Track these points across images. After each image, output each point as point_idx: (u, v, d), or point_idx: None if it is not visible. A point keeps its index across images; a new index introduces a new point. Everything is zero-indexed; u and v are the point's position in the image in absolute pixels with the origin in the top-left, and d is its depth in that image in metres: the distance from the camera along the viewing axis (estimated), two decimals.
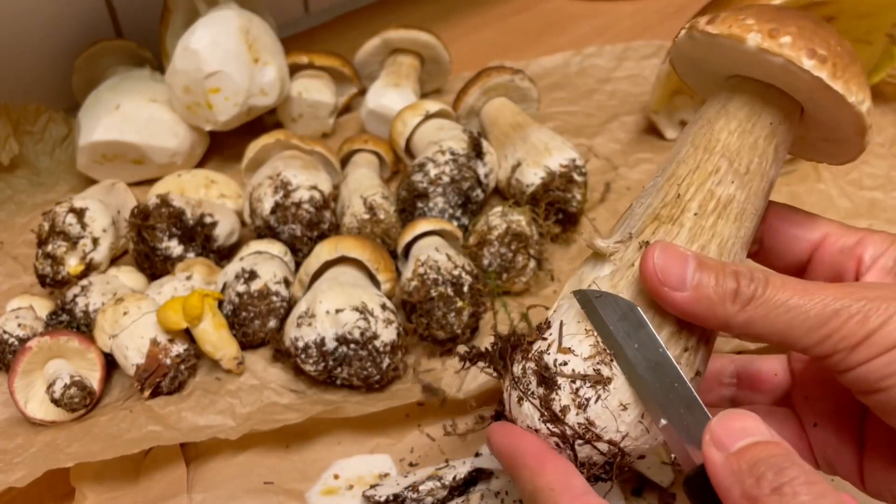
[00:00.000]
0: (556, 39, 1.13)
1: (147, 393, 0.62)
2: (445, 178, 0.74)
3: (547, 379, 0.40)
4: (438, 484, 0.56)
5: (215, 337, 0.63)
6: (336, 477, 0.59)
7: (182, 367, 0.63)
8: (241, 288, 0.65)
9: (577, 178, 0.75)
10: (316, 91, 0.90)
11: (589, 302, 0.41)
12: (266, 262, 0.67)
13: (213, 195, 0.78)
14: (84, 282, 0.68)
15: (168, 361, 0.62)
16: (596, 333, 0.40)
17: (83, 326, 0.66)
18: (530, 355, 0.42)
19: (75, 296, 0.67)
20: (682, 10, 1.17)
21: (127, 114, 0.81)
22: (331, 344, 0.61)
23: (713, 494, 0.35)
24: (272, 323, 0.66)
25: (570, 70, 1.04)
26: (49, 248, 0.69)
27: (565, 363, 0.40)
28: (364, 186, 0.75)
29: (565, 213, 0.76)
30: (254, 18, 0.82)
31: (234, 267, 0.67)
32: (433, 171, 0.74)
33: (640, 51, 1.06)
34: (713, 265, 0.39)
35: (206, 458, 0.60)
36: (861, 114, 0.40)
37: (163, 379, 0.62)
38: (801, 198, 0.82)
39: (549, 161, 0.75)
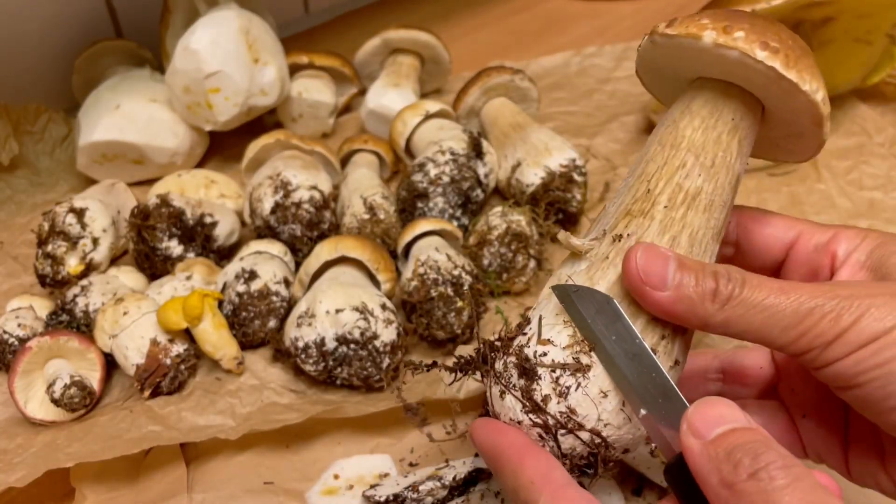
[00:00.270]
0: (556, 39, 1.13)
1: (147, 393, 0.62)
2: (445, 178, 0.74)
3: (527, 370, 0.41)
4: (438, 484, 0.56)
5: (215, 337, 0.63)
6: (336, 477, 0.59)
7: (182, 367, 0.63)
8: (241, 288, 0.65)
9: (576, 178, 0.75)
10: (316, 91, 0.90)
11: (567, 296, 0.41)
12: (266, 262, 0.67)
13: (213, 195, 0.78)
14: (84, 282, 0.68)
15: (168, 361, 0.62)
16: (574, 325, 0.41)
17: (83, 326, 0.66)
18: (511, 350, 0.42)
19: (75, 296, 0.67)
20: (682, 10, 1.17)
21: (127, 114, 0.81)
22: (331, 344, 0.61)
23: (693, 482, 0.35)
24: (272, 323, 0.66)
25: (570, 70, 1.04)
26: (49, 248, 0.69)
27: (545, 354, 0.41)
28: (364, 186, 0.75)
29: (565, 213, 0.76)
30: (254, 18, 0.82)
31: (234, 267, 0.67)
32: (433, 171, 0.74)
33: None
34: (693, 265, 0.40)
35: (206, 458, 0.60)
36: (816, 102, 0.42)
37: (163, 379, 0.62)
38: (801, 198, 0.81)
39: (549, 161, 0.75)
